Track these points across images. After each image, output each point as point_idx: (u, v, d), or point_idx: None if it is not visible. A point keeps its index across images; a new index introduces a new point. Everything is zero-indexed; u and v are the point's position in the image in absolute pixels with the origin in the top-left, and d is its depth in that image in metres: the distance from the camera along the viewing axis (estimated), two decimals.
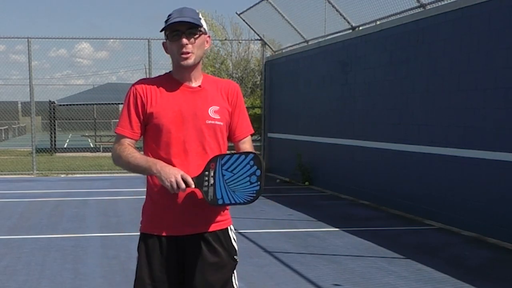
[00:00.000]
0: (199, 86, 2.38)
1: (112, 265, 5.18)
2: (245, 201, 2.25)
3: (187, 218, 2.33)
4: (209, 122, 2.35)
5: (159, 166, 2.23)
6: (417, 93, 7.47)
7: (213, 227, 2.38)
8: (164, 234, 2.33)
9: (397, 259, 5.44)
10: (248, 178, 2.25)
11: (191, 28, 2.29)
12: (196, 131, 2.33)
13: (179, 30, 2.28)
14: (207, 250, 2.35)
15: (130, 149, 2.34)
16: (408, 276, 4.87)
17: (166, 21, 2.31)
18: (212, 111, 2.36)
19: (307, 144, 10.89)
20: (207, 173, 2.25)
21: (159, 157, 2.32)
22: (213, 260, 2.35)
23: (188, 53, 2.29)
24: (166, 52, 2.39)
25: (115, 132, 2.42)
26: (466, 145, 6.53)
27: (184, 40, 2.28)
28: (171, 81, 2.38)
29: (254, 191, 2.25)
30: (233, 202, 2.24)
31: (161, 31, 2.33)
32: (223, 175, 2.24)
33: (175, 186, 2.18)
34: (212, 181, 2.24)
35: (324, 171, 10.33)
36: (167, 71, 2.47)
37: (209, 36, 2.41)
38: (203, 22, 2.34)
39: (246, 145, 2.49)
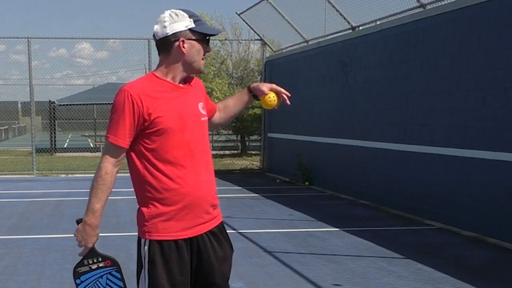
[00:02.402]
0: (186, 85, 2.42)
1: None
2: None
3: (199, 217, 2.36)
4: (203, 118, 2.42)
5: (89, 221, 2.27)
6: (417, 93, 7.47)
7: (216, 221, 2.45)
8: (180, 237, 2.31)
9: (397, 259, 5.44)
10: None
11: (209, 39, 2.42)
12: (197, 130, 2.36)
13: (209, 38, 2.39)
14: (216, 244, 2.41)
15: (109, 182, 2.31)
16: (408, 276, 4.87)
17: (196, 21, 2.33)
18: (200, 107, 2.42)
19: (307, 144, 10.90)
20: (100, 259, 2.34)
21: (166, 161, 2.28)
22: (223, 254, 2.43)
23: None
24: (182, 49, 2.31)
25: (109, 141, 2.28)
26: (466, 145, 6.53)
27: (209, 48, 2.40)
28: (162, 82, 2.35)
29: None
30: None
31: (208, 36, 2.37)
32: (100, 278, 2.34)
33: (80, 248, 2.31)
34: (94, 267, 2.33)
35: (324, 171, 10.33)
36: (150, 71, 2.47)
37: None
38: None
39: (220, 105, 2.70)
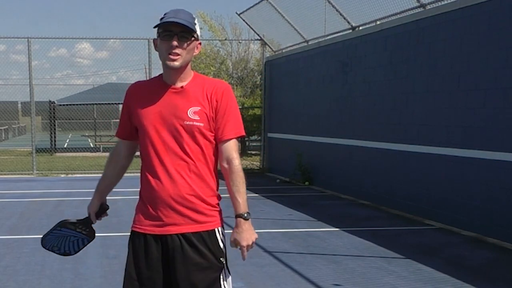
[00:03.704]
0: (181, 87, 2.38)
1: (112, 265, 5.18)
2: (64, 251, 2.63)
3: (169, 218, 2.35)
4: (188, 123, 2.33)
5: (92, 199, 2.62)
6: (417, 93, 7.47)
7: (198, 228, 2.37)
8: (148, 232, 2.38)
9: (397, 259, 5.44)
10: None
11: (184, 32, 2.30)
12: (174, 132, 2.34)
13: (172, 31, 2.29)
14: (190, 250, 2.34)
15: (109, 164, 2.59)
16: (408, 276, 4.87)
17: (161, 19, 2.32)
18: (191, 112, 2.34)
19: (307, 144, 10.89)
20: (88, 230, 2.63)
21: (144, 158, 2.42)
22: (196, 261, 2.34)
23: (177, 55, 2.29)
24: (155, 49, 2.42)
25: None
26: (466, 145, 6.53)
27: (175, 42, 2.28)
28: (159, 82, 2.41)
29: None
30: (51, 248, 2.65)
31: (154, 27, 2.34)
32: (71, 237, 2.63)
33: None
34: (78, 230, 2.61)
35: (324, 171, 10.33)
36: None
37: (199, 43, 2.41)
38: (197, 28, 2.35)
39: (227, 149, 2.39)
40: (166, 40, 2.30)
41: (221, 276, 2.41)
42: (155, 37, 2.38)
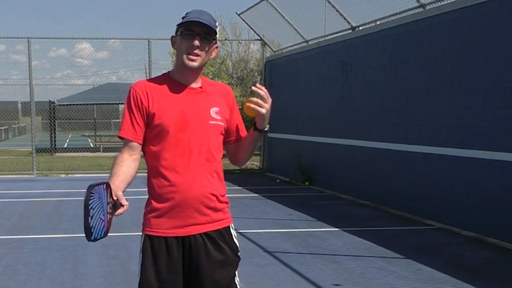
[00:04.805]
0: (200, 87, 2.39)
1: (112, 265, 5.18)
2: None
3: (192, 218, 2.33)
4: (212, 122, 2.36)
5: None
6: (417, 93, 7.47)
7: (217, 226, 2.39)
8: (169, 235, 2.33)
9: (397, 259, 5.44)
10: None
11: (206, 33, 2.29)
12: (200, 132, 2.33)
13: (194, 31, 2.27)
14: (213, 248, 2.36)
15: (118, 164, 2.30)
16: (408, 276, 4.87)
17: (182, 18, 2.31)
18: (213, 112, 2.37)
19: (307, 144, 10.90)
20: (111, 200, 2.21)
21: (163, 158, 2.32)
22: (219, 258, 2.37)
23: (197, 55, 2.29)
24: (173, 47, 2.38)
25: (118, 136, 2.38)
26: (466, 145, 6.53)
27: (196, 42, 2.27)
28: (172, 82, 2.37)
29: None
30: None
31: (178, 25, 2.31)
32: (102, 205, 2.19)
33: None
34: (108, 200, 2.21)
35: (324, 171, 10.33)
36: (167, 71, 2.47)
37: (217, 46, 2.40)
38: (217, 31, 2.34)
39: None
40: (188, 39, 2.28)
41: (235, 272, 2.47)
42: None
